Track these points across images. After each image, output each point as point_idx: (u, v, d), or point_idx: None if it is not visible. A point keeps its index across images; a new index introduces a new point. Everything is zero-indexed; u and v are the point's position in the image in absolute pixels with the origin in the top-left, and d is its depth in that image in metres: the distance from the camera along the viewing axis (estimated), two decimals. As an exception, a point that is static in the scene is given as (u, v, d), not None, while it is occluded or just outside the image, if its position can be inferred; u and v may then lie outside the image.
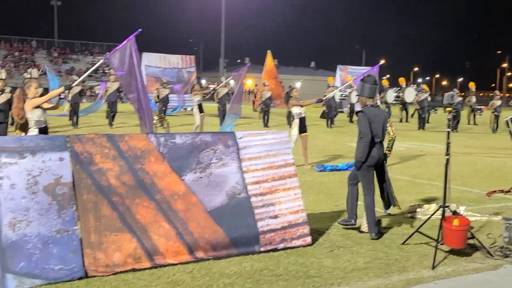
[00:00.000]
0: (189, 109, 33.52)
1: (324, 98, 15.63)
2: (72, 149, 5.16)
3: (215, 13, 64.38)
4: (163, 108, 21.24)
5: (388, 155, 7.09)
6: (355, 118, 13.80)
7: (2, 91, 11.63)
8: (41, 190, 4.93)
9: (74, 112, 20.38)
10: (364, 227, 6.61)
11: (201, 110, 18.18)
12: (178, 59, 32.11)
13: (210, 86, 34.24)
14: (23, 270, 4.65)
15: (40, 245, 4.79)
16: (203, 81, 30.13)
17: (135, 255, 5.14)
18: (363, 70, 30.76)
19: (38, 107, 7.66)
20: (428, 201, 8.31)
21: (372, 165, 6.57)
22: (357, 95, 7.02)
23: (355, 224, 6.68)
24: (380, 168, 6.73)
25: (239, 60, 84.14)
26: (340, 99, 26.27)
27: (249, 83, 68.43)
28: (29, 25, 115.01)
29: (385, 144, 6.78)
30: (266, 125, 22.37)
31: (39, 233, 4.82)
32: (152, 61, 30.95)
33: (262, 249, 5.74)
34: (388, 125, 6.64)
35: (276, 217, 5.92)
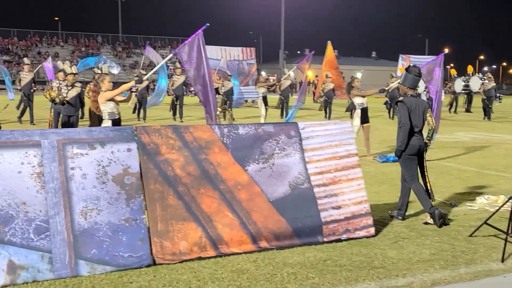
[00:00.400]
0: (249, 100, 33.75)
1: (387, 88, 15.36)
2: (139, 140, 5.31)
3: (274, 5, 64.25)
4: (227, 101, 21.24)
5: (429, 144, 7.07)
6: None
7: (73, 85, 12.02)
8: (110, 180, 5.11)
9: (140, 106, 20.47)
10: (429, 219, 6.50)
11: (265, 102, 18.23)
12: (239, 51, 32.29)
13: (270, 78, 34.28)
14: (94, 257, 4.84)
15: (110, 233, 4.97)
16: (263, 73, 30.22)
17: (200, 244, 5.24)
18: (427, 59, 29.95)
19: (111, 99, 7.91)
20: (496, 193, 8.07)
21: (412, 154, 6.65)
22: (398, 82, 7.07)
23: (402, 219, 6.65)
24: (419, 159, 6.77)
25: (298, 52, 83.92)
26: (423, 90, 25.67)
27: (309, 74, 68.08)
28: (95, 22, 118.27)
29: (425, 134, 6.76)
30: (329, 118, 21.97)
31: (109, 221, 4.99)
32: (213, 53, 31.23)
33: (325, 239, 5.74)
34: (428, 115, 6.69)
35: (339, 207, 5.91)
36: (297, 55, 79.82)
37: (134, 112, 21.03)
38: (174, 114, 20.69)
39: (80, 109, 12.43)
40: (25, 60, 19.57)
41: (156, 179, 5.29)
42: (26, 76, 18.03)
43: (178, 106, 20.37)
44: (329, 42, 24.40)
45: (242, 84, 28.50)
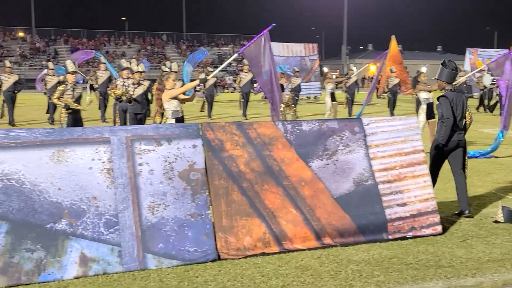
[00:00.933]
0: (312, 97, 33.58)
1: (454, 83, 14.90)
2: (205, 137, 5.40)
3: (337, 0, 63.60)
4: (296, 98, 20.65)
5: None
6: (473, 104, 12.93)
7: (139, 83, 12.25)
8: (176, 176, 5.22)
9: (208, 103, 20.08)
10: (500, 217, 6.29)
11: (333, 98, 18.01)
12: (301, 47, 32.16)
13: (332, 74, 34.03)
14: (161, 251, 4.96)
15: (176, 228, 5.08)
16: (325, 69, 30.02)
17: (264, 240, 5.28)
18: (496, 53, 28.92)
19: (174, 98, 8.02)
20: None
21: (449, 149, 6.65)
22: (434, 78, 6.98)
23: (469, 214, 6.52)
24: (462, 154, 6.76)
25: (361, 47, 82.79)
26: (490, 84, 24.72)
27: (372, 69, 67.11)
28: (160, 21, 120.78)
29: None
30: (349, 113, 21.32)
31: (175, 216, 5.10)
32: (275, 50, 31.15)
33: (390, 237, 5.66)
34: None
35: (404, 204, 5.81)
36: (359, 50, 78.87)
37: (202, 110, 20.78)
38: (245, 112, 20.06)
39: (147, 107, 12.61)
40: (50, 64, 19.27)
41: (220, 175, 5.36)
42: (51, 80, 17.97)
43: (245, 103, 19.98)
44: (393, 37, 23.93)
45: (304, 80, 28.41)
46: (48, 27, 64.14)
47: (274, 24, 9.21)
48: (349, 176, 5.76)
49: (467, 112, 6.75)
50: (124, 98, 12.40)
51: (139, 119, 12.10)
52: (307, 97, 30.33)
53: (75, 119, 10.70)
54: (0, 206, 4.65)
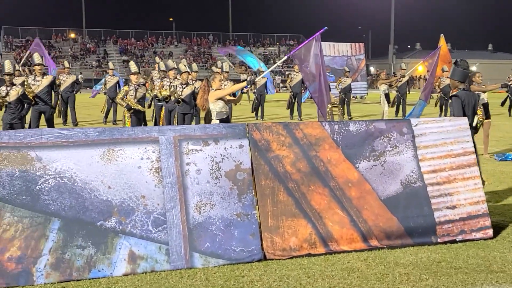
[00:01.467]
0: (358, 97, 33.28)
1: (509, 83, 14.38)
2: (251, 137, 5.42)
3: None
4: (346, 99, 20.08)
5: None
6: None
7: (187, 83, 12.35)
8: (223, 176, 5.25)
9: (259, 103, 19.57)
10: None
11: (388, 99, 17.57)
12: (348, 47, 31.98)
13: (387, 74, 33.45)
14: (208, 250, 5.00)
15: (222, 227, 5.11)
16: (372, 68, 29.76)
17: (310, 241, 5.26)
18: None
19: (220, 98, 7.98)
20: None
21: None
22: (448, 77, 7.00)
23: None
24: None
25: (409, 46, 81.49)
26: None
27: (420, 69, 65.95)
28: (206, 21, 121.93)
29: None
30: (444, 114, 20.20)
31: (222, 215, 5.14)
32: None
33: (439, 240, 5.56)
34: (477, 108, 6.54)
35: (454, 207, 5.69)
36: (407, 50, 77.66)
37: (253, 111, 20.27)
38: (292, 112, 19.64)
39: (194, 107, 12.61)
40: (110, 65, 19.27)
41: (267, 175, 5.37)
42: (111, 80, 17.99)
43: (296, 104, 19.41)
44: (442, 36, 23.44)
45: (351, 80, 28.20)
46: (98, 28, 65.59)
47: (326, 27, 9.12)
48: (396, 177, 5.68)
49: (480, 109, 6.77)
50: (172, 98, 12.47)
51: (187, 119, 12.20)
52: (354, 97, 30.05)
53: (138, 119, 10.84)
54: (53, 203, 4.79)
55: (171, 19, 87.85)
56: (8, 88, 10.06)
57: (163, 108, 13.50)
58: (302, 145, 5.53)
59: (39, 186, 4.81)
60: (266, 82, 19.54)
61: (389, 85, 18.92)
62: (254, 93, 19.44)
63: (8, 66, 10.46)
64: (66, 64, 18.50)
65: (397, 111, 20.82)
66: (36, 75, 12.70)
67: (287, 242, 5.20)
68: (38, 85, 12.43)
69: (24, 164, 4.83)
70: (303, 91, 19.72)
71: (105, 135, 5.08)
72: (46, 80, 12.63)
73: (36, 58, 13.13)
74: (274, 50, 66.10)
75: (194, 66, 14.90)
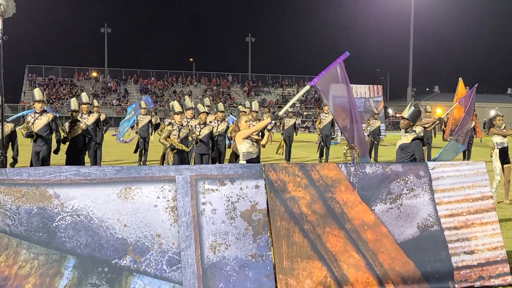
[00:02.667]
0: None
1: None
2: (267, 177, 5.43)
3: (402, 42, 63.30)
4: (375, 142, 19.08)
5: None
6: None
7: (205, 123, 12.17)
8: (238, 216, 5.26)
9: (287, 144, 18.36)
10: None
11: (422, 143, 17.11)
12: (366, 88, 32.17)
13: (398, 115, 33.49)
14: (222, 290, 4.97)
15: (237, 268, 5.09)
16: (390, 110, 29.83)
17: (325, 283, 5.21)
18: None
19: (247, 138, 7.89)
20: None
21: None
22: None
23: None
24: None
25: (427, 88, 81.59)
26: None
27: (438, 111, 65.81)
28: (226, 62, 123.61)
29: None
30: (468, 158, 19.14)
31: (236, 256, 5.12)
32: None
33: (456, 286, 5.46)
34: None
35: (472, 252, 5.61)
36: (425, 92, 77.74)
37: (278, 151, 18.36)
38: (321, 155, 18.42)
39: (212, 148, 12.48)
40: (142, 103, 17.97)
41: (282, 216, 5.36)
42: (143, 119, 17.14)
43: (325, 147, 18.14)
44: (460, 79, 23.49)
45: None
46: (120, 68, 66.77)
47: (348, 53, 8.32)
48: (413, 221, 5.64)
49: None
50: (190, 138, 12.34)
51: (204, 160, 12.06)
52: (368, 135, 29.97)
53: (181, 159, 10.68)
54: (69, 240, 4.83)
55: (191, 59, 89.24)
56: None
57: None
58: (318, 186, 5.53)
59: (56, 223, 4.85)
60: (294, 123, 18.97)
61: (424, 128, 18.16)
62: (282, 133, 18.56)
63: (74, 103, 10.96)
64: (96, 103, 17.59)
65: (427, 155, 19.11)
66: (82, 113, 13.30)
67: (302, 285, 5.15)
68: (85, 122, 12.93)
69: (42, 201, 4.89)
70: (333, 133, 18.94)
71: (123, 174, 5.14)
72: (92, 118, 13.43)
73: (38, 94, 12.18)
74: (293, 91, 66.57)
75: (220, 106, 14.47)
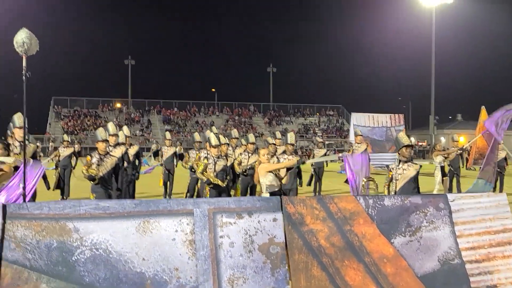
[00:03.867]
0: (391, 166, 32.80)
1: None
2: (285, 210, 5.43)
3: (424, 70, 63.20)
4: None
5: None
6: None
7: (226, 155, 11.58)
8: (256, 249, 5.25)
9: (317, 177, 17.29)
10: None
11: (443, 173, 16.28)
12: (387, 118, 32.07)
13: (420, 143, 33.28)
14: (240, 325, 4.94)
15: (255, 302, 5.06)
16: (412, 139, 29.71)
17: (344, 318, 5.15)
18: None
19: (270, 171, 7.89)
20: None
21: None
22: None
23: None
24: None
25: (450, 117, 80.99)
26: None
27: (461, 140, 65.12)
28: (247, 92, 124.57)
29: None
30: (500, 190, 17.86)
31: (254, 290, 5.10)
32: (361, 120, 31.37)
33: (479, 320, 5.36)
34: None
35: (494, 286, 5.50)
36: (448, 120, 77.15)
37: (309, 184, 17.69)
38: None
39: (232, 181, 12.07)
40: (167, 134, 17.09)
41: (300, 249, 5.34)
42: (167, 151, 16.18)
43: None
44: (483, 108, 23.24)
45: (390, 151, 28.08)
46: (143, 99, 67.64)
47: None
48: (433, 254, 5.56)
49: None
50: (237, 169, 11.84)
51: (220, 192, 10.93)
52: (386, 166, 29.82)
53: (218, 192, 10.06)
54: (88, 274, 4.86)
55: (213, 89, 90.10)
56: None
57: (199, 180, 12.16)
58: (336, 219, 5.51)
59: (75, 257, 4.90)
60: (325, 153, 18.39)
61: (444, 157, 17.69)
62: (312, 165, 17.57)
63: (101, 133, 9.76)
64: (126, 130, 15.18)
65: (450, 188, 18.02)
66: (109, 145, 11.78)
67: (321, 319, 5.10)
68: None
69: (62, 235, 4.94)
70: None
71: (141, 207, 5.18)
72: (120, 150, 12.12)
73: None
74: (314, 120, 66.63)
75: (235, 132, 14.23)
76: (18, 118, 9.41)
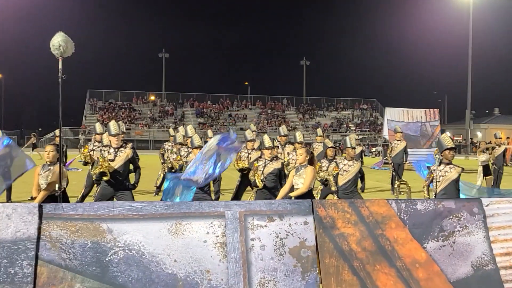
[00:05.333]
0: (432, 168, 32.34)
1: None
2: (316, 214, 5.42)
3: (460, 63, 62.04)
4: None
5: None
6: None
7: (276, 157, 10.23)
8: (287, 252, 5.26)
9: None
10: None
11: (486, 171, 15.80)
12: (422, 112, 31.58)
13: (456, 138, 32.75)
14: (270, 328, 4.96)
15: (285, 305, 5.08)
16: (447, 133, 29.28)
17: (375, 323, 5.12)
18: None
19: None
20: None
21: None
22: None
23: None
24: None
25: (487, 111, 79.43)
26: None
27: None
28: (280, 85, 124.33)
29: None
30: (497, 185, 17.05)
31: (285, 293, 5.12)
32: (395, 115, 30.99)
33: (513, 328, 5.28)
34: None
35: (529, 293, 5.41)
36: (485, 115, 75.70)
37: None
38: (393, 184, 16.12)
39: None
40: (209, 133, 15.39)
41: (331, 253, 5.33)
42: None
43: (397, 176, 16.20)
44: (521, 102, 22.70)
45: (424, 147, 27.74)
46: (176, 91, 68.14)
47: None
48: (467, 259, 5.49)
49: None
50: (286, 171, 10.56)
51: (256, 192, 10.08)
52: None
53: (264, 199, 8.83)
54: (121, 275, 4.94)
55: (246, 83, 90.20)
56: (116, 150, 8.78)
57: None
58: (368, 223, 5.48)
59: (109, 258, 4.99)
60: (361, 151, 17.68)
61: (485, 151, 16.97)
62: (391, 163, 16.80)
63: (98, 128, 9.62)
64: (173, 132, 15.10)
65: (494, 187, 16.68)
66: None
67: (351, 324, 5.09)
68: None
69: (96, 235, 5.04)
70: (405, 162, 16.92)
71: (174, 209, 5.24)
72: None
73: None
74: (348, 114, 66.17)
75: (284, 129, 13.25)
76: (113, 126, 8.91)
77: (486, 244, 5.57)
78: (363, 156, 18.75)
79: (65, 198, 6.87)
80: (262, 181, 9.25)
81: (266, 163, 9.41)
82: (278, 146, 11.73)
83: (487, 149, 16.42)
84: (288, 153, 12.27)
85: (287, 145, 13.03)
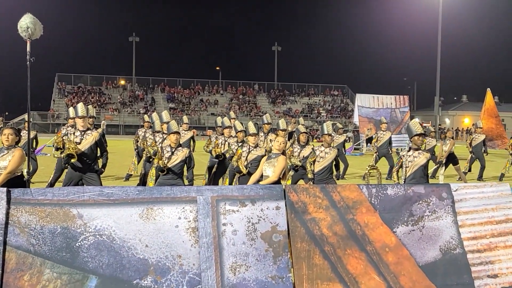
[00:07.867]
0: (400, 149, 32.84)
1: None
2: (288, 199, 5.44)
3: (430, 50, 62.76)
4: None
5: None
6: None
7: (243, 141, 10.57)
8: (259, 237, 5.27)
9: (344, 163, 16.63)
10: None
11: (452, 161, 15.48)
12: (392, 99, 31.96)
13: (425, 124, 33.17)
14: (241, 312, 4.98)
15: (257, 289, 5.10)
16: (416, 119, 29.70)
17: (345, 306, 5.19)
18: None
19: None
20: None
21: None
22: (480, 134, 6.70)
23: None
24: None
25: (455, 98, 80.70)
26: None
27: (466, 121, 65.00)
28: (253, 71, 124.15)
29: None
30: (469, 169, 17.57)
31: (256, 278, 5.13)
32: (366, 101, 31.28)
33: (479, 310, 5.40)
34: None
35: (495, 276, 5.53)
36: (453, 101, 76.88)
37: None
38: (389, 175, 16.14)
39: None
40: (184, 118, 15.34)
41: (303, 238, 5.36)
42: (184, 135, 14.55)
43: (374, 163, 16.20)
44: (488, 90, 23.21)
45: (394, 132, 28.05)
46: (147, 76, 67.42)
47: None
48: (435, 243, 5.58)
49: None
50: (227, 156, 11.10)
51: (239, 178, 10.04)
52: (396, 150, 29.81)
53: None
54: (92, 260, 4.90)
55: (217, 68, 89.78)
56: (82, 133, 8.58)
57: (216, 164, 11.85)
58: (339, 208, 5.52)
59: (79, 243, 4.93)
60: (344, 140, 17.74)
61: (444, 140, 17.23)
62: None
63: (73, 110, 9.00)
64: (91, 109, 14.00)
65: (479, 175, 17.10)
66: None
67: (322, 307, 5.14)
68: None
69: (66, 221, 4.98)
70: (390, 151, 17.09)
71: (145, 194, 5.20)
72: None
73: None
74: (319, 100, 66.43)
75: (267, 117, 13.41)
76: (80, 108, 8.73)
77: (454, 228, 5.67)
78: (345, 145, 18.82)
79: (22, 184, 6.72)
80: (246, 167, 9.32)
81: (250, 150, 9.53)
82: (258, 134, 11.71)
83: (445, 137, 16.54)
84: (270, 141, 12.26)
85: (269, 133, 13.09)
